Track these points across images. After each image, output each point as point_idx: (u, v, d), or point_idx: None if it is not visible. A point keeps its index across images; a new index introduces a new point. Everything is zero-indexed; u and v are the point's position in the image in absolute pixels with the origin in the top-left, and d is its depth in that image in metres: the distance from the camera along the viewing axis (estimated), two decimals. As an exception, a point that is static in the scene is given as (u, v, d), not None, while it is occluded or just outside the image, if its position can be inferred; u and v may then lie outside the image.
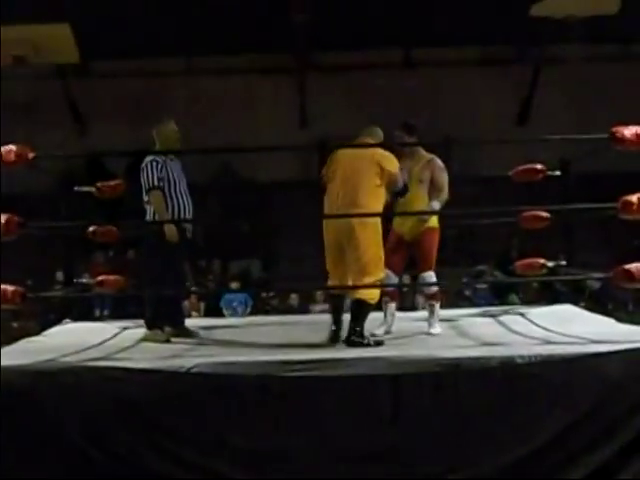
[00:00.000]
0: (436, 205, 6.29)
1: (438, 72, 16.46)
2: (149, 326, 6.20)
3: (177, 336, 6.17)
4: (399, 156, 6.05)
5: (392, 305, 6.47)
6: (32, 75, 13.72)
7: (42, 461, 4.61)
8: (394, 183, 5.85)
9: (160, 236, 6.09)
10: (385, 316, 6.46)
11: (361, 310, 5.68)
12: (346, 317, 5.78)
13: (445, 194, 6.38)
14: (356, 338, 5.58)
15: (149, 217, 6.27)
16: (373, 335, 5.89)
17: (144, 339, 6.10)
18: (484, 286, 13.15)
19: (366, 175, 5.73)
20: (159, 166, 6.18)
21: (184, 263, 6.69)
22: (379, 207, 5.78)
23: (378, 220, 5.78)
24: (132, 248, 13.79)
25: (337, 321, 5.82)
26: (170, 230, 6.08)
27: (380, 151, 5.85)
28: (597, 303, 11.78)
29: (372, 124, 6.08)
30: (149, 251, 6.28)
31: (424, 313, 6.64)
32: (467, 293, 13.49)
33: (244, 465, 4.63)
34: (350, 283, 5.73)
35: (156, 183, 6.16)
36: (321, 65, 16.38)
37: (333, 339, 5.76)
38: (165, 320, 6.23)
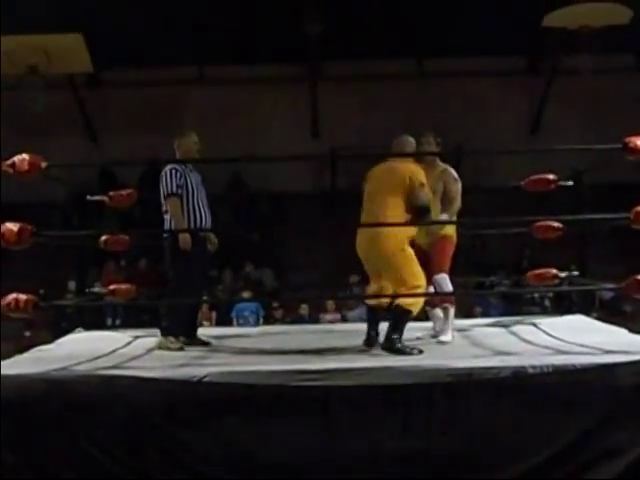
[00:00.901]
0: (445, 217, 6.30)
1: (451, 83, 16.46)
2: (164, 333, 6.19)
3: (189, 345, 6.16)
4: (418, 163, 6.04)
5: (436, 310, 6.50)
6: (45, 84, 13.74)
7: (52, 470, 4.60)
8: (414, 197, 5.77)
9: (178, 245, 6.10)
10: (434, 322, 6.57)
11: (399, 318, 5.69)
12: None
13: (456, 205, 6.40)
14: (397, 346, 5.59)
15: (167, 226, 6.27)
16: (419, 338, 6.24)
17: (159, 346, 6.11)
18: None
19: (389, 191, 5.74)
20: (178, 174, 6.20)
21: (206, 273, 6.63)
22: (401, 219, 5.75)
23: (402, 230, 5.76)
24: (144, 257, 13.80)
25: (371, 332, 5.88)
26: (184, 239, 6.08)
27: (411, 167, 5.83)
28: (609, 313, 11.74)
29: (404, 134, 6.05)
30: (170, 260, 6.28)
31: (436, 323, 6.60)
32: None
33: (255, 474, 4.62)
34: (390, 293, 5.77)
35: (174, 190, 6.17)
36: (334, 75, 16.40)
37: (368, 343, 5.82)
38: (180, 329, 6.22)
